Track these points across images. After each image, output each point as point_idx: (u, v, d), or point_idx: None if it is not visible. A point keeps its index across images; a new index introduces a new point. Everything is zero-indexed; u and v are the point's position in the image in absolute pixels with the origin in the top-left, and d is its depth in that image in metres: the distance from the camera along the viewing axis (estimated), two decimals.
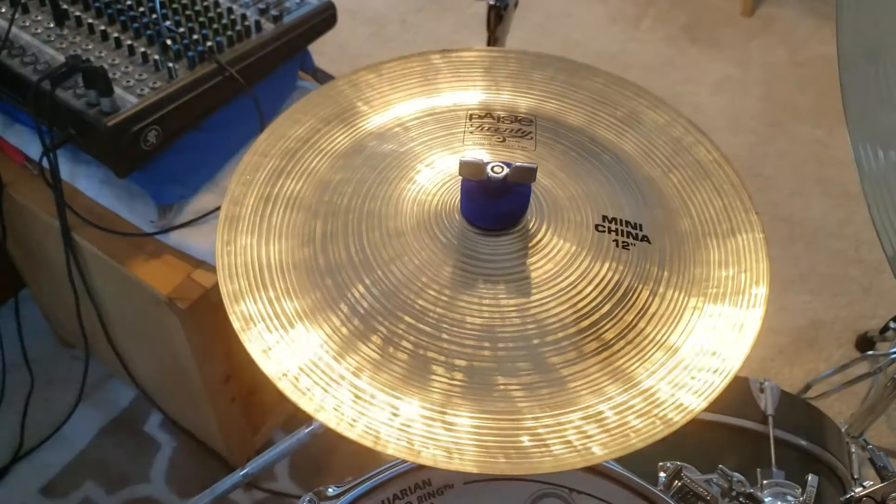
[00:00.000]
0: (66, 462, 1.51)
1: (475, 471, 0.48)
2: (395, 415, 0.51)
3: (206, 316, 1.16)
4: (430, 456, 0.49)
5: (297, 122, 0.66)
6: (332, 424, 0.50)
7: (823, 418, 1.03)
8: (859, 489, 0.64)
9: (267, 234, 0.59)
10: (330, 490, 0.61)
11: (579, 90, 0.71)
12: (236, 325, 0.53)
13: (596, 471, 0.63)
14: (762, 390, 0.96)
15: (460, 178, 0.57)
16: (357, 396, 0.51)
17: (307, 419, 1.44)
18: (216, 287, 1.13)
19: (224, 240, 0.58)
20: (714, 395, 0.53)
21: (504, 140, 0.63)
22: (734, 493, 0.72)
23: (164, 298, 1.11)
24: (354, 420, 0.50)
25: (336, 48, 2.20)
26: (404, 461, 0.61)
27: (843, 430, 1.04)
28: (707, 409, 0.94)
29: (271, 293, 0.56)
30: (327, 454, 1.52)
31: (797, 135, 2.20)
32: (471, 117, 0.65)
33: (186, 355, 1.22)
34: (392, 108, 0.68)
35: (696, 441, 0.93)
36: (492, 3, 1.19)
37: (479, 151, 0.57)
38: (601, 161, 0.65)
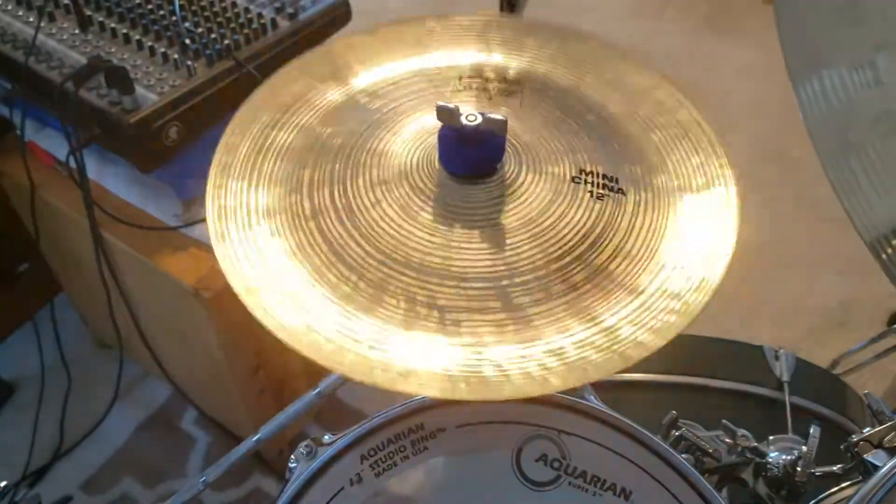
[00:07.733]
0: (104, 459, 1.55)
1: (438, 395, 0.52)
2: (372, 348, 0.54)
3: (232, 305, 1.18)
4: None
5: (293, 79, 0.69)
6: (313, 356, 0.54)
7: (843, 386, 1.03)
8: (856, 435, 0.65)
9: (257, 180, 0.63)
10: (326, 437, 0.63)
11: (569, 55, 0.73)
12: (222, 263, 0.59)
13: (585, 413, 0.64)
14: (777, 358, 0.96)
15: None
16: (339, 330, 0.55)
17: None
18: None
19: (216, 184, 0.63)
20: (671, 336, 0.54)
21: (491, 98, 0.65)
22: (739, 449, 0.73)
23: (189, 289, 1.14)
24: (333, 345, 0.54)
25: None
26: (396, 406, 0.63)
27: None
28: (720, 378, 0.96)
29: (257, 234, 0.60)
30: None
31: None
32: (460, 78, 0.67)
33: (214, 347, 1.25)
34: (385, 67, 0.71)
35: (707, 408, 0.93)
36: None
37: (464, 107, 0.60)
38: (585, 120, 0.67)
